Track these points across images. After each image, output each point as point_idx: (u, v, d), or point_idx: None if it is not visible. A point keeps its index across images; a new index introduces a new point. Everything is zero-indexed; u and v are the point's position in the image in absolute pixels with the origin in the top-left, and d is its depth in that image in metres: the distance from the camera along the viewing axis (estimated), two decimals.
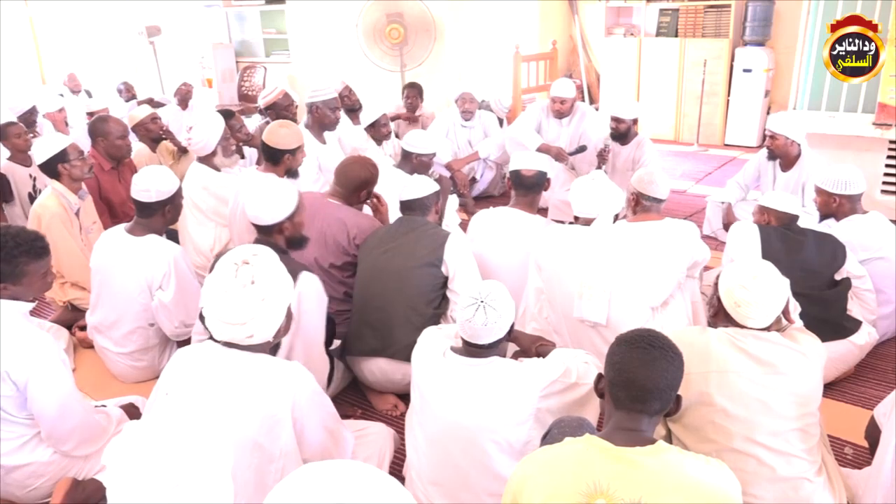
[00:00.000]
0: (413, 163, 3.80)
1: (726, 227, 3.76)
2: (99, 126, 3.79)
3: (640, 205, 2.85)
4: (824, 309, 2.64)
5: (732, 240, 2.81)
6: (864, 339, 2.74)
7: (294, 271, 2.13)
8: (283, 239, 2.39)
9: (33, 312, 3.49)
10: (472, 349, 1.90)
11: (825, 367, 1.96)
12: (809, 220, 3.27)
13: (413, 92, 5.72)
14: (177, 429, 1.13)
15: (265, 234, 2.38)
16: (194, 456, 1.09)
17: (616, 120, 4.48)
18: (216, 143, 3.57)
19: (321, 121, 4.07)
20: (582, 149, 4.64)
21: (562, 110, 4.71)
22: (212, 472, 1.10)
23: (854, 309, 2.78)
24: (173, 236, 3.75)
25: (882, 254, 2.91)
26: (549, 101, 4.79)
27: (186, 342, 2.80)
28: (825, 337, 1.95)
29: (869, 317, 2.80)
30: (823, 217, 3.13)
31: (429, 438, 1.97)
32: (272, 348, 1.82)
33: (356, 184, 3.00)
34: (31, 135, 5.12)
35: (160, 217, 2.77)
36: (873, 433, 2.13)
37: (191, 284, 2.82)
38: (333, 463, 1.02)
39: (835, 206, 3.02)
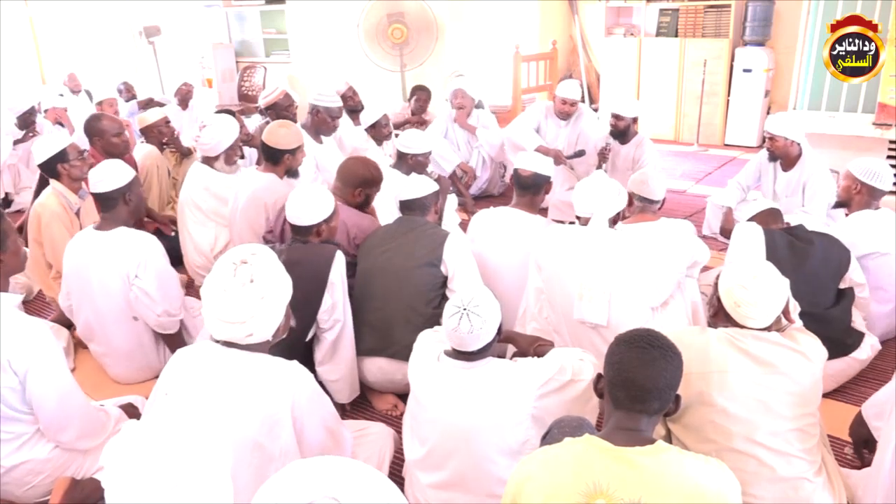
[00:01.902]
0: (409, 163, 3.80)
1: (724, 232, 3.74)
2: (94, 125, 3.79)
3: (634, 206, 2.84)
4: (828, 328, 2.54)
5: (736, 242, 2.78)
6: (866, 353, 2.73)
7: (332, 251, 2.48)
8: (318, 241, 2.54)
9: (34, 312, 3.54)
10: (463, 354, 1.91)
11: (824, 381, 1.95)
12: (809, 219, 3.26)
13: (423, 95, 5.64)
14: (176, 429, 1.12)
15: (302, 235, 2.52)
16: (193, 456, 1.09)
17: (616, 117, 4.47)
18: (224, 148, 3.57)
19: (320, 124, 4.08)
20: (580, 153, 4.66)
21: (570, 112, 4.71)
22: (211, 472, 1.10)
23: (855, 319, 2.76)
24: (174, 239, 3.76)
25: (887, 250, 2.88)
26: (554, 101, 4.77)
27: (174, 338, 2.79)
28: (827, 356, 1.95)
29: (864, 325, 2.79)
30: (838, 205, 3.12)
31: (427, 442, 1.97)
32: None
33: (355, 180, 3.01)
34: (32, 134, 5.15)
35: (123, 206, 2.72)
36: (858, 430, 2.13)
37: (168, 272, 2.78)
38: (320, 459, 1.04)
39: (855, 193, 3.01)
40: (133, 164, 3.95)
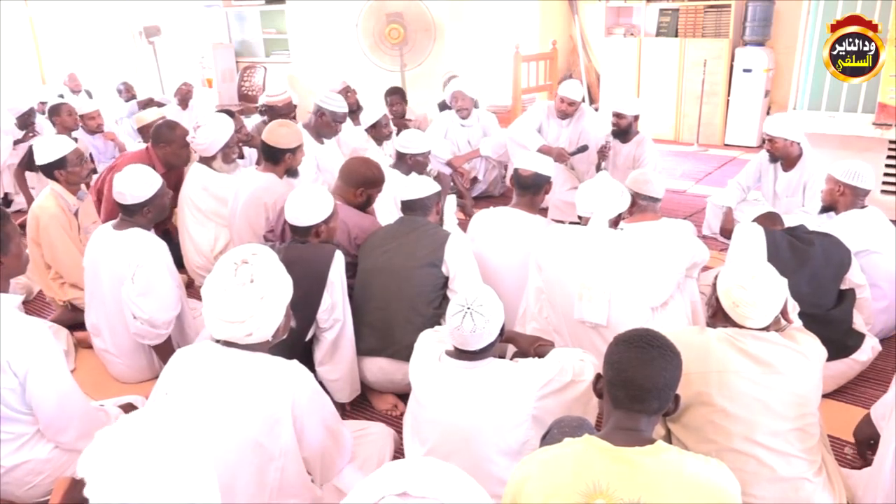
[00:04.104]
0: (408, 163, 3.80)
1: (724, 232, 3.75)
2: (165, 133, 3.71)
3: (637, 205, 2.84)
4: (829, 329, 2.52)
5: (737, 242, 2.78)
6: (867, 355, 2.72)
7: (331, 251, 2.48)
8: (318, 241, 2.52)
9: (34, 312, 3.54)
10: (465, 354, 1.91)
11: (824, 382, 1.95)
12: (808, 219, 3.26)
13: (397, 98, 5.55)
14: (158, 427, 1.10)
15: (301, 235, 2.52)
16: (175, 454, 1.07)
17: (617, 115, 4.46)
18: (219, 147, 3.56)
19: (323, 126, 4.09)
20: (583, 149, 4.63)
21: (569, 112, 4.69)
22: (194, 470, 1.08)
23: (856, 320, 2.75)
24: (174, 239, 3.76)
25: (878, 248, 2.90)
26: (555, 100, 4.76)
27: (162, 349, 2.76)
28: (828, 357, 1.95)
29: (865, 325, 2.79)
30: (824, 209, 3.14)
31: (427, 442, 1.97)
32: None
33: (357, 180, 3.00)
34: (32, 134, 5.16)
35: (140, 217, 2.74)
36: (865, 430, 2.13)
37: (163, 283, 2.71)
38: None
39: (839, 194, 3.03)
40: (180, 178, 3.83)
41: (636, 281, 2.41)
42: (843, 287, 2.74)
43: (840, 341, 2.63)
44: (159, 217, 2.86)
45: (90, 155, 4.54)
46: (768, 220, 2.83)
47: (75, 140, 3.79)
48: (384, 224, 2.95)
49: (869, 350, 2.74)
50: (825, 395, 2.26)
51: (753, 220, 2.85)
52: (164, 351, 2.75)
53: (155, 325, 2.69)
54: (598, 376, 1.52)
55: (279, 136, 3.29)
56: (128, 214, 2.75)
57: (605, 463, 1.31)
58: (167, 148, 3.70)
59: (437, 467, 1.09)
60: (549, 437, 1.61)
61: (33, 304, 3.71)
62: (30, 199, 4.72)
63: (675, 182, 5.65)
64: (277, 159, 3.31)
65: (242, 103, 8.09)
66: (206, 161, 3.60)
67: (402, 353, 2.46)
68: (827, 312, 2.66)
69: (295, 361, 1.78)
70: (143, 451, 1.05)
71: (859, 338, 2.73)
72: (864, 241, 2.88)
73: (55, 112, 4.85)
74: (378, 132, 4.63)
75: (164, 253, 2.76)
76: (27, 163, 4.62)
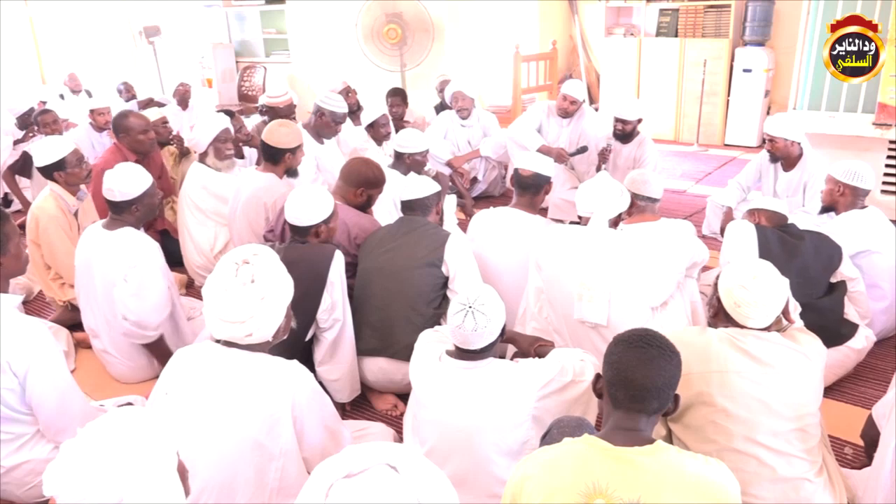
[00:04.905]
0: (406, 163, 3.80)
1: (724, 232, 3.75)
2: (120, 122, 3.83)
3: (636, 206, 2.84)
4: (820, 317, 2.61)
5: (729, 240, 2.80)
6: (861, 343, 2.73)
7: (331, 251, 2.48)
8: (317, 241, 2.53)
9: (34, 312, 3.55)
10: (465, 354, 1.91)
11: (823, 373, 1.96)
12: (808, 219, 3.26)
13: (397, 100, 5.54)
14: (115, 438, 1.11)
15: (300, 235, 2.52)
16: (136, 464, 1.09)
17: (621, 122, 4.46)
18: (207, 143, 3.58)
19: (323, 126, 4.09)
20: (583, 150, 4.63)
21: (570, 110, 4.69)
22: (155, 477, 1.11)
23: (850, 312, 2.77)
24: (174, 239, 3.77)
25: (878, 248, 2.91)
26: (558, 98, 4.76)
27: (157, 348, 2.77)
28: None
29: (862, 321, 2.80)
30: (824, 209, 3.15)
31: (427, 442, 1.97)
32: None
33: (357, 179, 3.00)
34: (32, 134, 5.16)
35: (129, 215, 2.74)
36: (870, 432, 2.13)
37: (157, 285, 2.72)
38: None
39: (838, 195, 3.04)
40: (159, 162, 4.00)
41: (636, 281, 2.41)
42: (833, 280, 2.76)
43: (832, 329, 2.65)
44: (148, 216, 2.85)
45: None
46: (775, 218, 2.83)
47: None
48: (384, 224, 2.96)
49: (863, 339, 2.75)
50: (825, 395, 2.26)
51: (762, 210, 2.85)
52: (158, 350, 2.77)
53: (143, 327, 2.70)
54: (598, 376, 1.52)
55: (279, 136, 3.30)
56: (117, 212, 2.74)
57: (605, 463, 1.31)
58: (126, 137, 3.80)
59: (373, 444, 1.14)
60: (549, 437, 1.61)
61: (33, 304, 3.71)
62: (23, 201, 4.74)
63: (675, 182, 5.65)
64: (277, 159, 3.31)
65: (242, 103, 8.09)
66: (202, 159, 3.62)
67: (402, 353, 2.46)
68: (816, 301, 2.68)
69: (295, 361, 1.78)
70: (102, 463, 1.07)
71: (853, 327, 2.75)
72: (864, 241, 2.89)
73: (37, 123, 4.88)
74: (376, 132, 4.62)
75: (157, 253, 2.76)
76: (20, 167, 4.64)
